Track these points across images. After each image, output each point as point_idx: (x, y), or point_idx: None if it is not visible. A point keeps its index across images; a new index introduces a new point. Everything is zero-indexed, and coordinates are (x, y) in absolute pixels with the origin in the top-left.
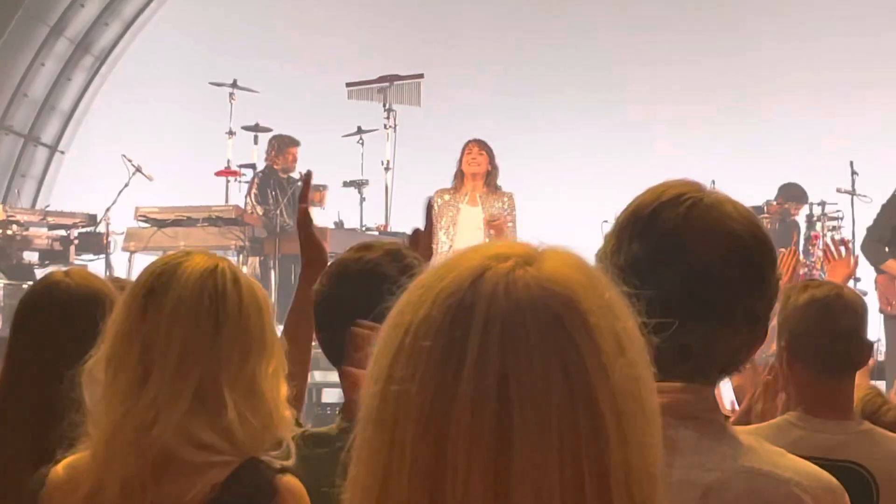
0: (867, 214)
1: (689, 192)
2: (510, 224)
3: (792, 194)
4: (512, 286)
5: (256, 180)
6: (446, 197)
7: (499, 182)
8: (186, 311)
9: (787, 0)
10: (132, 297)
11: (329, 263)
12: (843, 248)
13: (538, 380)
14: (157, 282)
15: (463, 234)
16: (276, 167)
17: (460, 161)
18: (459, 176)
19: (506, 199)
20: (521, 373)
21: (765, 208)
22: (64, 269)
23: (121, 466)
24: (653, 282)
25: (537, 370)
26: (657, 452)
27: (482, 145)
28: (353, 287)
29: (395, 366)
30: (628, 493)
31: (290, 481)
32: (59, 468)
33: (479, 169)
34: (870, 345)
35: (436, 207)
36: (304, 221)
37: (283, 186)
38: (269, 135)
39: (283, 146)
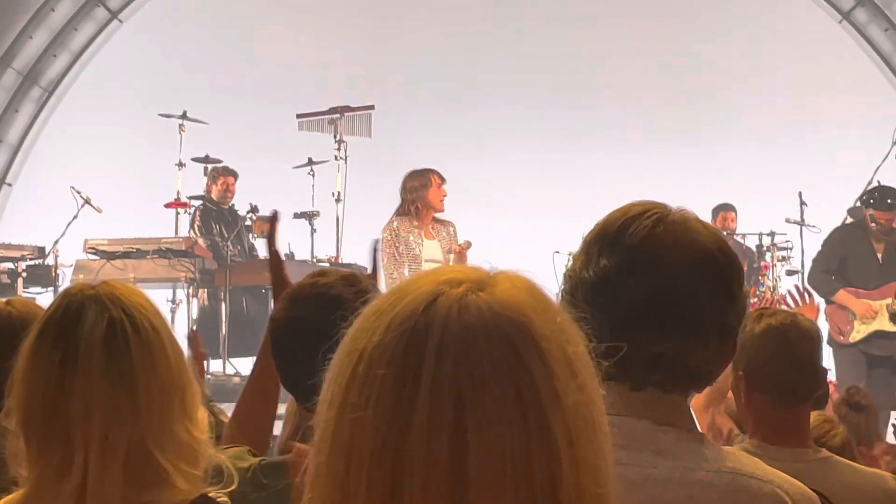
0: (816, 245)
1: (655, 209)
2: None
3: (722, 207)
4: (465, 311)
5: (198, 211)
6: (414, 232)
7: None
8: (102, 376)
9: (737, 33)
10: (40, 357)
11: (291, 288)
12: (807, 295)
13: (492, 405)
14: (65, 337)
15: (423, 268)
16: (214, 198)
17: (423, 192)
18: (423, 208)
19: (451, 228)
20: (476, 399)
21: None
22: (4, 299)
23: None
24: (623, 294)
25: (491, 396)
26: (608, 475)
27: (440, 178)
28: (308, 310)
29: (349, 392)
30: None
31: None
32: None
33: (435, 199)
34: (824, 372)
35: (399, 242)
36: (277, 264)
37: (226, 217)
38: (213, 166)
39: (217, 175)
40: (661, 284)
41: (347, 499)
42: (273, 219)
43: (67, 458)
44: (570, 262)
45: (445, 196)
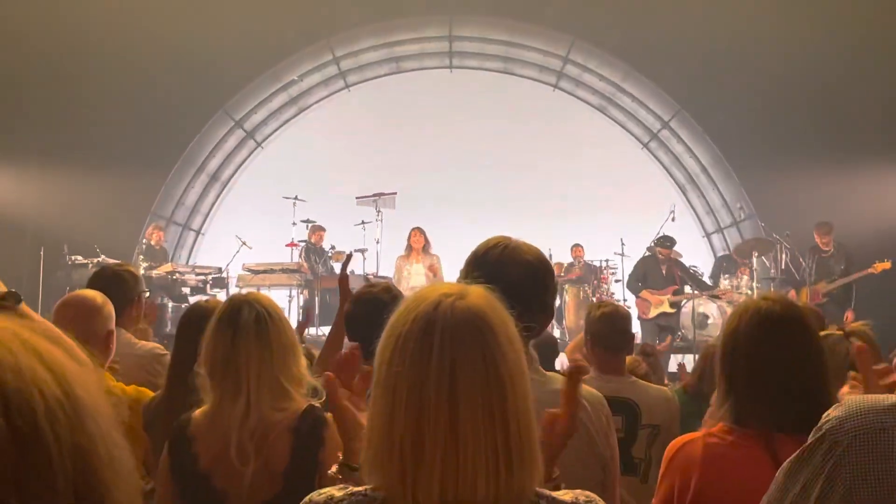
0: (630, 266)
1: (503, 241)
2: (439, 271)
3: (576, 245)
4: (455, 310)
5: (304, 249)
6: (404, 261)
7: (432, 250)
8: (255, 343)
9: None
10: (220, 332)
11: (355, 291)
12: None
13: (470, 363)
14: (233, 322)
15: (415, 279)
16: (312, 241)
17: (409, 239)
18: (409, 248)
19: (434, 258)
20: (462, 358)
21: (576, 263)
22: (205, 298)
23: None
24: None
25: (470, 357)
26: (530, 400)
27: (420, 230)
28: (365, 308)
29: (393, 357)
30: (517, 421)
31: (330, 416)
32: (197, 414)
33: (418, 244)
34: (633, 335)
35: (397, 269)
36: (344, 281)
37: (318, 252)
38: (311, 224)
39: (315, 230)
40: (510, 286)
41: (393, 418)
42: (348, 256)
43: (237, 388)
44: (460, 273)
45: (421, 242)
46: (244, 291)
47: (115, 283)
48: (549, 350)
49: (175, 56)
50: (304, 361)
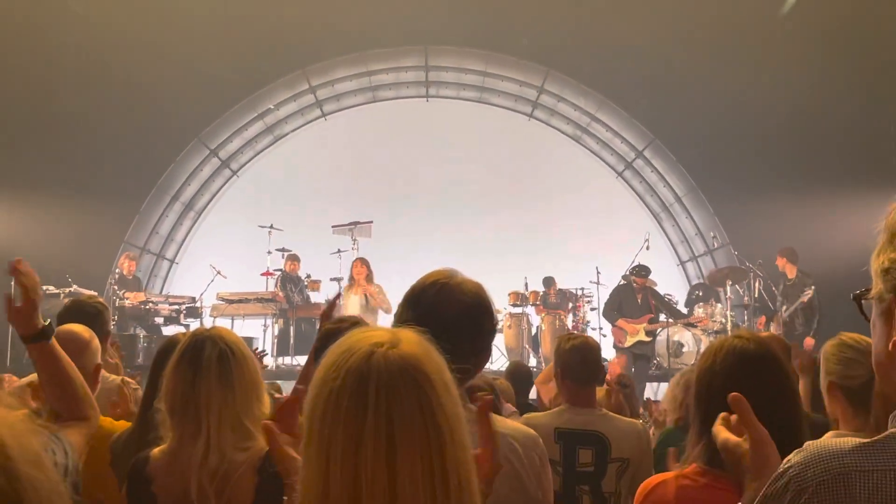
0: (605, 294)
1: (441, 278)
2: (381, 300)
3: (547, 282)
4: (388, 362)
5: (279, 278)
6: (349, 291)
7: (375, 280)
8: (217, 382)
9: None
10: (181, 369)
11: (322, 329)
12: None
13: (408, 417)
14: (195, 359)
15: (350, 310)
16: (287, 271)
17: (351, 270)
18: (351, 279)
19: (376, 287)
20: (400, 413)
21: (550, 291)
22: (181, 331)
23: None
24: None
25: (407, 411)
26: (469, 449)
27: (362, 261)
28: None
29: (325, 415)
30: (457, 473)
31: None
32: (156, 452)
33: (360, 276)
34: (603, 367)
35: (341, 296)
36: (328, 312)
37: (294, 280)
38: (287, 253)
39: (290, 259)
40: (443, 327)
41: (328, 478)
42: (336, 297)
43: (197, 427)
44: (397, 311)
45: (363, 272)
46: (208, 325)
47: (95, 317)
48: (524, 381)
49: (150, 84)
50: (267, 400)
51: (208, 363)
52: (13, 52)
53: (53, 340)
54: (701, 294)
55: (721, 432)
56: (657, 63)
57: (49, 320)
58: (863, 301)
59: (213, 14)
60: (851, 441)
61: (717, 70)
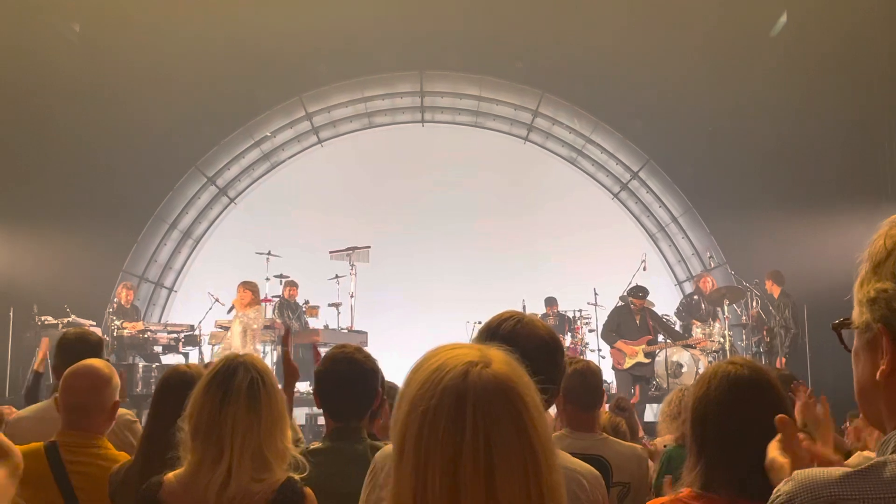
0: (604, 316)
1: (516, 315)
2: (255, 321)
3: (549, 301)
4: (484, 381)
5: (277, 304)
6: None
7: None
8: (245, 410)
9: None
10: (210, 392)
11: (327, 352)
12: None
13: (504, 434)
14: (225, 384)
15: (236, 340)
16: (286, 297)
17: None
18: (233, 307)
19: (254, 311)
20: (497, 432)
21: (549, 311)
22: (185, 363)
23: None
24: None
25: (504, 430)
26: (561, 471)
27: (243, 285)
28: (340, 366)
29: (421, 433)
30: (551, 494)
31: (310, 490)
32: (170, 477)
33: (241, 303)
34: (604, 392)
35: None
36: (287, 356)
37: (292, 307)
38: (285, 280)
39: (288, 285)
40: (521, 356)
41: (424, 495)
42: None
43: (219, 453)
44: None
45: (246, 297)
46: (207, 353)
47: (101, 349)
48: None
49: (147, 113)
50: (290, 434)
51: (238, 389)
52: (9, 79)
53: None
54: (694, 302)
55: (771, 450)
56: (650, 85)
57: None
58: (843, 330)
59: (209, 42)
60: (839, 470)
61: (709, 90)
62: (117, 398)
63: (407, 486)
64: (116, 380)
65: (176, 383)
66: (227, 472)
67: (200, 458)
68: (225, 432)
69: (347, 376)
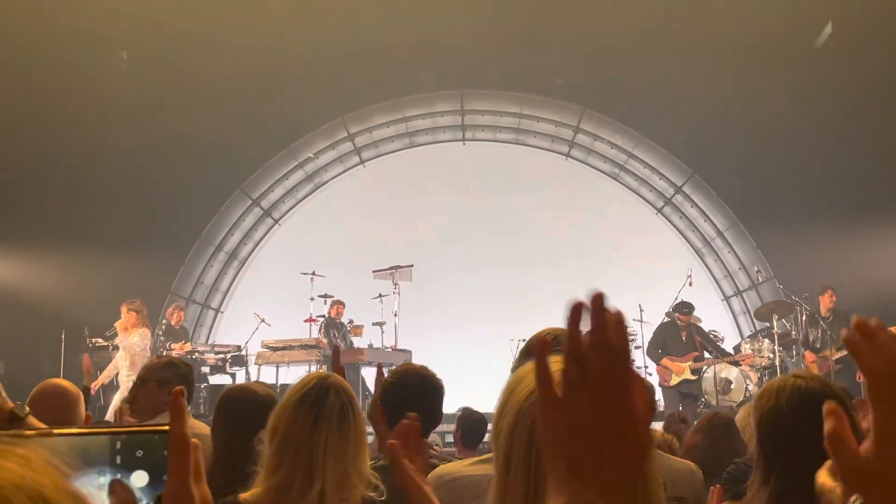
0: (649, 333)
1: (556, 332)
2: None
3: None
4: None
5: (322, 324)
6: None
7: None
8: (336, 433)
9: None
10: (301, 411)
11: (395, 368)
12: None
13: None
14: (318, 405)
15: (123, 364)
16: (332, 315)
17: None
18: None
19: (135, 337)
20: None
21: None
22: (246, 382)
23: None
24: None
25: None
26: (660, 482)
27: (130, 304)
28: (412, 379)
29: (531, 443)
30: (651, 485)
31: None
32: (247, 497)
33: (122, 326)
34: (655, 407)
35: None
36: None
37: (338, 326)
38: (331, 299)
39: (334, 304)
40: None
41: (508, 479)
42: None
43: (311, 475)
44: (517, 361)
45: (131, 318)
46: (327, 371)
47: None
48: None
49: (192, 137)
50: (367, 454)
51: (330, 412)
52: (62, 105)
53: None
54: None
55: (820, 476)
56: (692, 98)
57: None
58: None
59: (252, 66)
60: None
61: (753, 103)
62: (88, 412)
63: (518, 493)
64: (81, 397)
65: (240, 403)
66: (321, 495)
67: (288, 478)
68: (317, 454)
69: (420, 390)
